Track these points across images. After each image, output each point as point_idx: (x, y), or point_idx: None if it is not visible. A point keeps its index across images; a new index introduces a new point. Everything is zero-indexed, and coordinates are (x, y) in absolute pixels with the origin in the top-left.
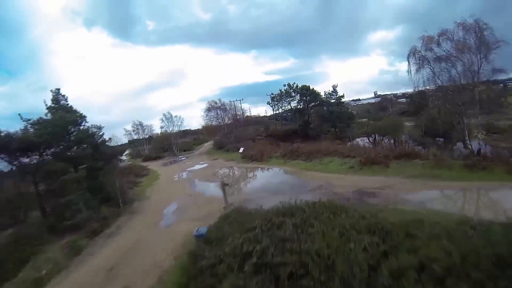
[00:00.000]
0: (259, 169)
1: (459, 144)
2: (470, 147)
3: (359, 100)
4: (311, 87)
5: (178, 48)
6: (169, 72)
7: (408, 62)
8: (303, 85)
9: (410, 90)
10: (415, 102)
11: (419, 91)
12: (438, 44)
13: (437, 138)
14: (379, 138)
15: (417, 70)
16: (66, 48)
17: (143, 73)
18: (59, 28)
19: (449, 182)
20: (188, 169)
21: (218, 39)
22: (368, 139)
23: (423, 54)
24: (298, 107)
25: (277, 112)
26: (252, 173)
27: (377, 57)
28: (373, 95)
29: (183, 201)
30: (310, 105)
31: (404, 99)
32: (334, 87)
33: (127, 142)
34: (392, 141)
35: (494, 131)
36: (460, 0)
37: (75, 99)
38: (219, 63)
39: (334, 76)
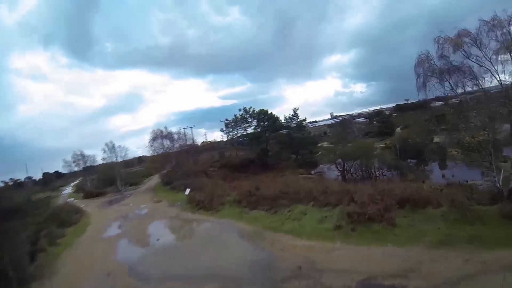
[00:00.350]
0: (206, 223)
1: (432, 165)
2: (499, 185)
3: (315, 122)
4: (269, 111)
5: (136, 72)
6: (126, 96)
7: (416, 75)
8: (260, 109)
9: (365, 110)
10: (381, 122)
11: (376, 110)
12: (457, 49)
13: (409, 160)
14: (348, 165)
15: (423, 85)
16: (20, 66)
17: (100, 97)
18: (15, 44)
19: (501, 250)
20: (125, 214)
21: (176, 63)
22: (336, 167)
23: (435, 63)
24: (255, 133)
25: (233, 137)
26: (194, 233)
27: (332, 80)
28: (329, 116)
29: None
30: (269, 131)
31: (363, 118)
32: (295, 110)
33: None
34: (361, 167)
35: (467, 149)
36: (409, 26)
37: (28, 121)
38: (176, 88)
39: (290, 99)
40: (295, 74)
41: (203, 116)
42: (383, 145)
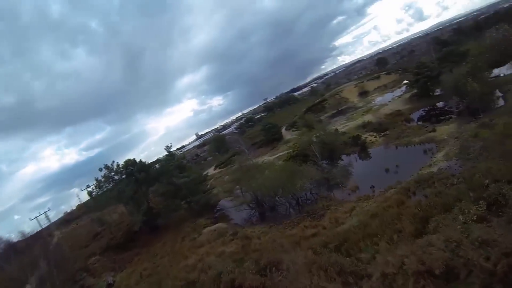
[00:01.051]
0: None
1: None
2: None
3: (183, 147)
4: (137, 160)
5: None
6: None
7: None
8: (126, 161)
9: (227, 120)
10: (265, 130)
11: (240, 117)
12: None
13: (321, 162)
14: (262, 197)
15: None
16: None
17: None
18: None
19: None
20: None
21: (28, 123)
22: (248, 205)
23: None
24: (127, 191)
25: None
26: None
27: (188, 101)
28: (195, 137)
29: None
30: (144, 184)
31: (233, 129)
32: (168, 148)
33: None
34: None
35: (382, 130)
36: (251, 33)
37: None
38: (35, 150)
39: (153, 132)
40: (152, 105)
41: (71, 174)
42: (283, 153)
